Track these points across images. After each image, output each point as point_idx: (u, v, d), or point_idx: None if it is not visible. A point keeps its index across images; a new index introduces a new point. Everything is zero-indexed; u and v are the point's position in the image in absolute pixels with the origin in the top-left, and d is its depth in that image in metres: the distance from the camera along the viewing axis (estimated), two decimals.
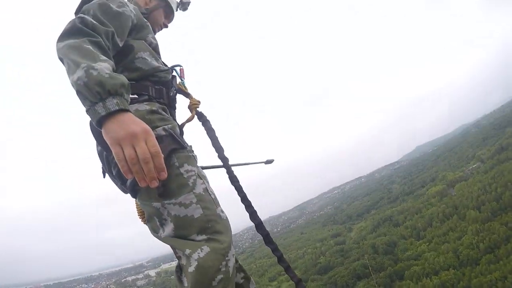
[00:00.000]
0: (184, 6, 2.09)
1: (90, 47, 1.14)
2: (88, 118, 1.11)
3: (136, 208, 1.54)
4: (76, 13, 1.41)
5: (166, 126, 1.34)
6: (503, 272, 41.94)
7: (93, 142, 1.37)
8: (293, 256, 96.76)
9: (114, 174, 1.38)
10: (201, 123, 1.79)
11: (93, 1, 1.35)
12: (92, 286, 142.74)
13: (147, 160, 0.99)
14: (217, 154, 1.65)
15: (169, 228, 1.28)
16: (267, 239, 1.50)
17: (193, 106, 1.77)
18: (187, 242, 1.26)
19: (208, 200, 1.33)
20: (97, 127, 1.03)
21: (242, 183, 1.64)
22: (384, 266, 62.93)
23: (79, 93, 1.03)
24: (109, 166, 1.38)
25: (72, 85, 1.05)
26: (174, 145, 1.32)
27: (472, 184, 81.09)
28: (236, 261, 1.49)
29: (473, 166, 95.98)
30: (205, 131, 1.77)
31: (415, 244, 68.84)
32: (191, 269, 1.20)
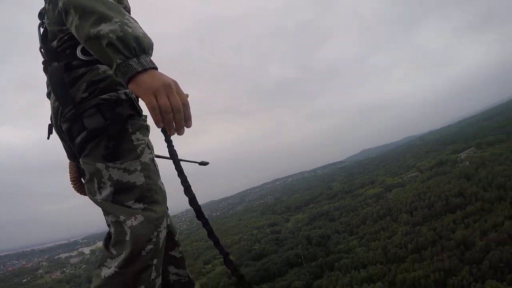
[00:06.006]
0: None
1: (112, 0, 1.14)
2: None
3: (70, 171, 1.52)
4: None
5: (127, 91, 1.35)
6: (426, 271, 44.13)
7: None
8: (229, 241, 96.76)
9: (64, 129, 1.34)
10: None
11: None
12: (23, 262, 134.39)
13: (180, 109, 1.01)
14: (166, 144, 1.49)
15: (107, 192, 1.26)
16: (199, 214, 1.43)
17: None
18: (123, 208, 1.25)
19: (152, 170, 1.34)
20: (124, 81, 1.04)
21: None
22: (316, 256, 64.31)
23: (110, 45, 1.03)
24: (60, 121, 1.35)
25: (96, 37, 1.05)
26: (132, 111, 1.33)
27: (408, 191, 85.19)
28: (174, 233, 1.57)
29: (412, 175, 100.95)
30: None
31: (348, 239, 70.90)
32: (127, 237, 1.20)
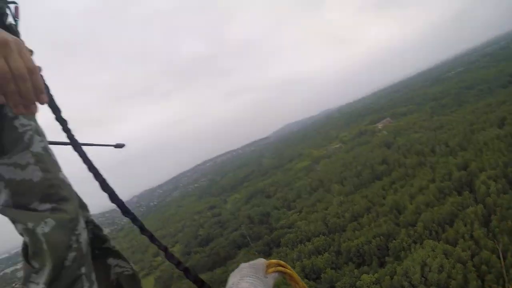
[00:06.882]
0: None
1: None
2: None
3: None
4: None
5: None
6: (367, 237, 48.19)
7: None
8: (172, 230, 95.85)
9: None
10: None
11: None
12: None
13: (24, 77, 0.74)
14: (61, 127, 1.24)
15: (4, 196, 1.02)
16: (123, 209, 1.27)
17: None
18: (29, 213, 1.02)
19: (49, 162, 1.09)
20: None
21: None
22: (261, 234, 66.32)
23: None
24: None
25: None
26: None
27: (335, 161, 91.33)
28: (100, 229, 1.35)
29: (336, 146, 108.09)
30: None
31: (287, 214, 73.71)
32: (44, 246, 0.98)
